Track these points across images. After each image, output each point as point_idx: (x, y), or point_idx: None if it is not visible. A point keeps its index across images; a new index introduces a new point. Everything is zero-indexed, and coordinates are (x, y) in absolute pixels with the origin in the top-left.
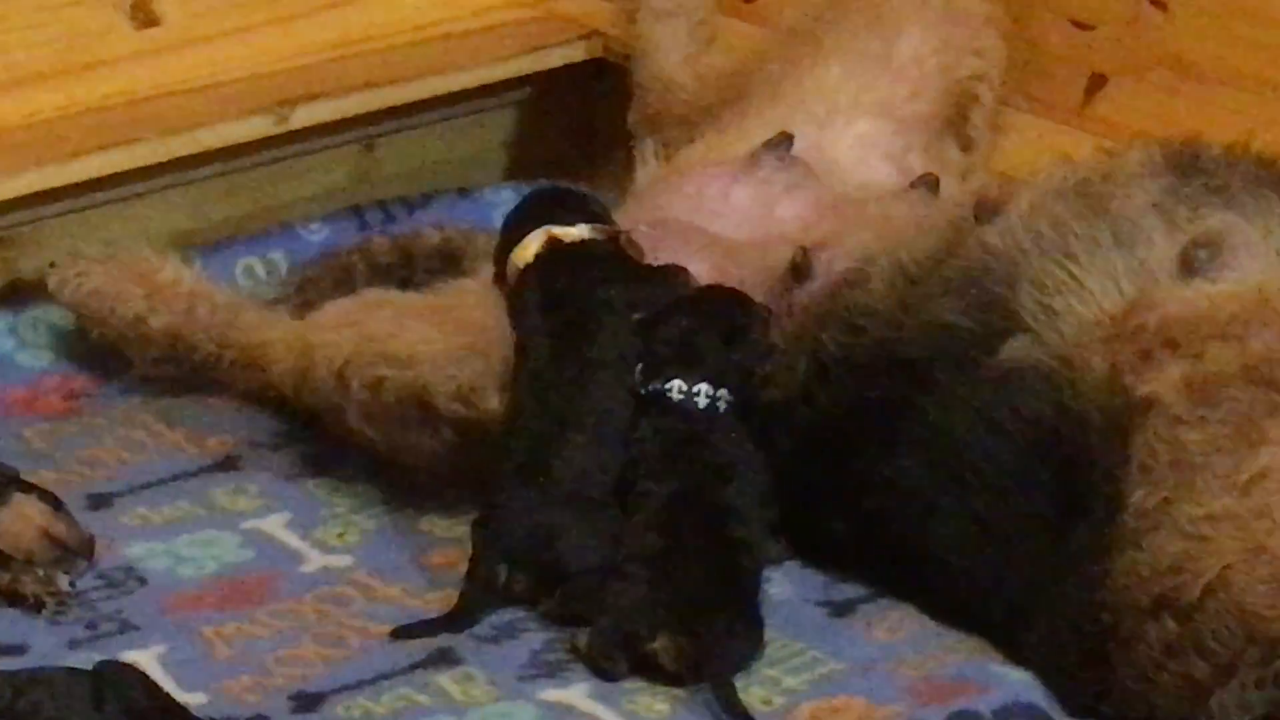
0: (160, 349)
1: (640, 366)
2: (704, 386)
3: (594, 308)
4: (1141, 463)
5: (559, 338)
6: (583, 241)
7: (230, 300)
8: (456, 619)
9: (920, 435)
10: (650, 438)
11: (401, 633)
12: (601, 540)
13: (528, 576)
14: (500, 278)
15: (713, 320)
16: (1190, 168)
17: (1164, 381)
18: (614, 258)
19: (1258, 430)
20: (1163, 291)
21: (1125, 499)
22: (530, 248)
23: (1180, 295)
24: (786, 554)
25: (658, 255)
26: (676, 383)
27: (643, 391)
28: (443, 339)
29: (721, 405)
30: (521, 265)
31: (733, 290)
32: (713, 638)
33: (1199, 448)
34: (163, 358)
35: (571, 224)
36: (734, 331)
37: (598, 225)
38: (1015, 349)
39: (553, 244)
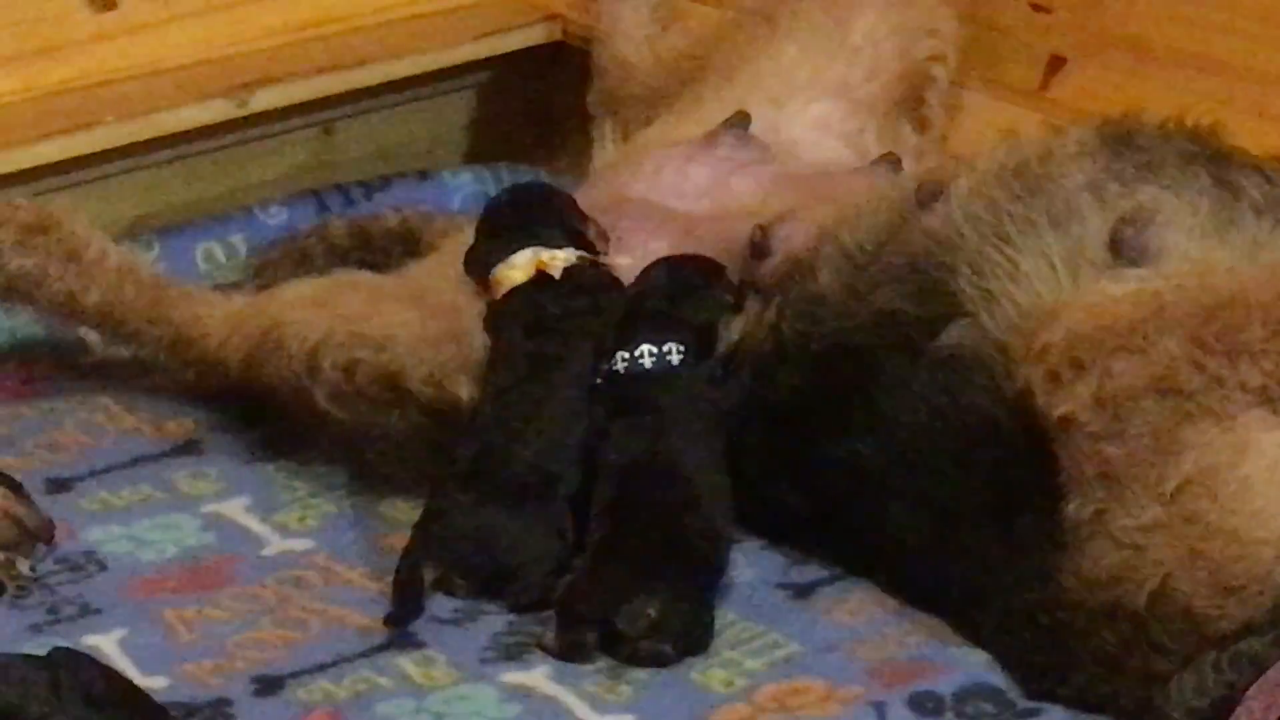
0: (92, 325)
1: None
2: (646, 348)
3: (576, 341)
4: (1070, 475)
5: (536, 361)
6: (569, 271)
7: (153, 277)
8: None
9: (869, 420)
10: (602, 416)
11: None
12: (539, 535)
13: (469, 579)
14: (479, 279)
15: (661, 285)
16: (1124, 145)
17: (1076, 401)
18: (600, 288)
19: (1174, 439)
20: (1064, 301)
21: (1061, 500)
22: (518, 270)
23: (1082, 303)
24: None
25: (618, 233)
26: (619, 354)
27: (598, 380)
28: (418, 323)
29: (674, 359)
30: (508, 285)
31: (694, 256)
32: (666, 604)
33: (1121, 461)
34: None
35: (558, 245)
36: (688, 289)
37: (583, 254)
38: (954, 334)
39: (541, 273)
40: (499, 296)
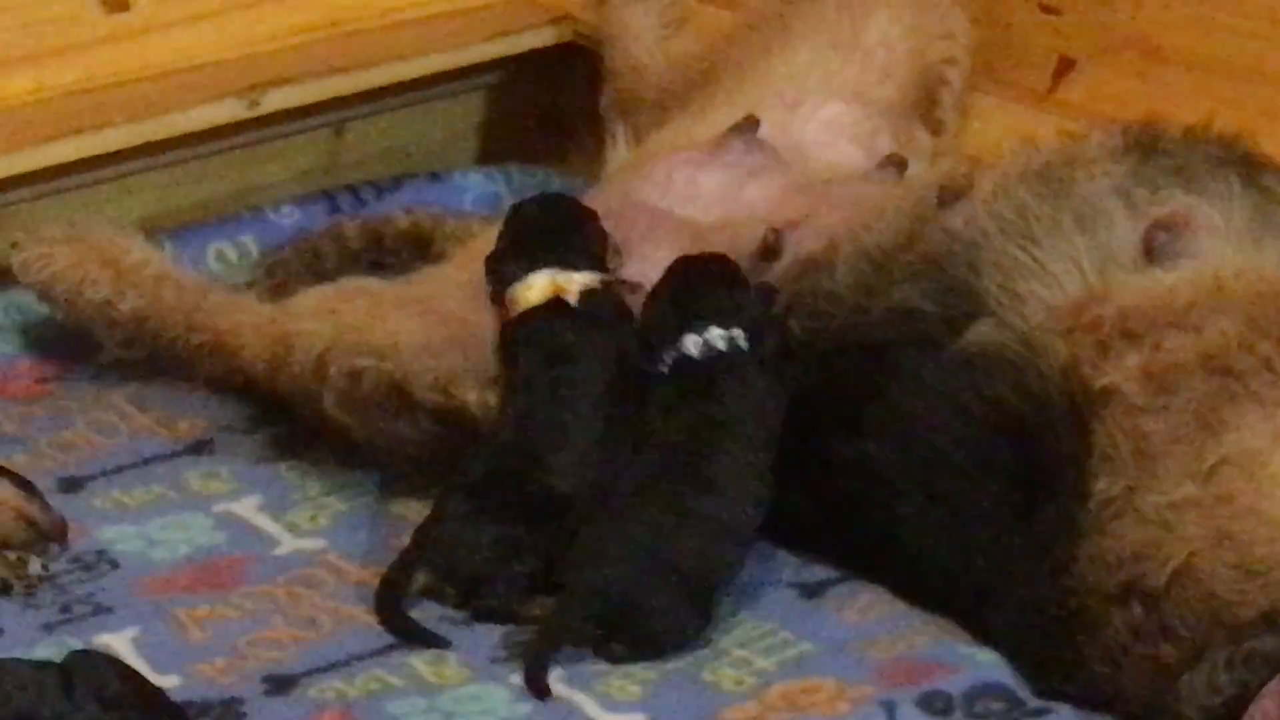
0: (128, 332)
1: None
2: (717, 332)
3: (593, 368)
4: (1103, 452)
5: (556, 387)
6: (586, 296)
7: (197, 283)
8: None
9: (884, 418)
10: (666, 398)
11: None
12: (521, 555)
13: (455, 588)
14: (495, 294)
15: (701, 279)
16: (1151, 150)
17: (1122, 372)
18: (617, 315)
19: (1217, 418)
20: (1119, 281)
21: (1088, 484)
22: (534, 292)
23: (1136, 285)
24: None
25: (628, 240)
26: (688, 338)
27: (663, 368)
28: (422, 330)
29: (742, 343)
30: (523, 305)
31: (711, 255)
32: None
33: (1160, 437)
34: (130, 340)
35: (576, 266)
36: (735, 280)
37: (602, 276)
38: (979, 333)
39: (557, 298)
40: (512, 316)
